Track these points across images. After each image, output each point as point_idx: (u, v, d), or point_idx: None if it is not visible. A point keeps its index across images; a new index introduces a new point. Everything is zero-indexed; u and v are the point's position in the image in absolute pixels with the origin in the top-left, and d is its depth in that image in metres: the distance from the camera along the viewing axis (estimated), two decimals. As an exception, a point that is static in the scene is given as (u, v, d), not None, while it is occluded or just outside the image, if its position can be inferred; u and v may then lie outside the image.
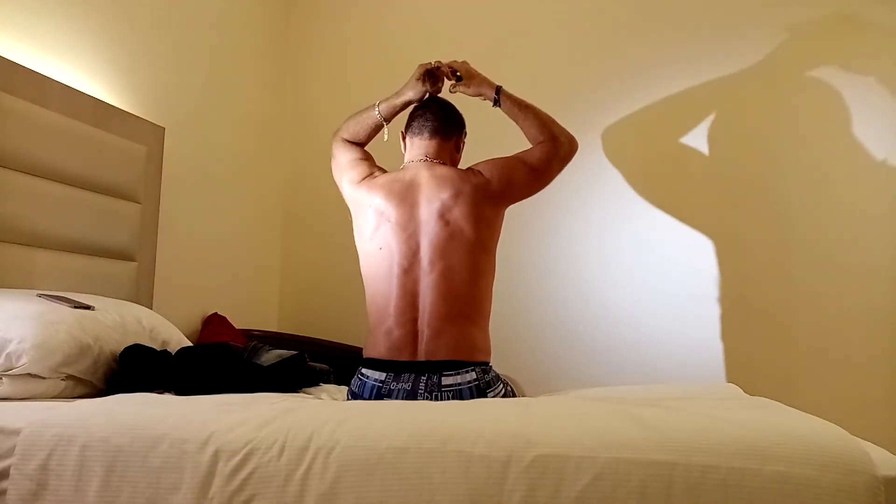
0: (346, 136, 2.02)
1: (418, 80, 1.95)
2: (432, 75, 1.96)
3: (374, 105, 1.98)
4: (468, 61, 2.00)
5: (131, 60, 2.48)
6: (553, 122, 1.95)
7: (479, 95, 1.97)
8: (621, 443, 1.11)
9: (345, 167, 1.97)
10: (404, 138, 1.98)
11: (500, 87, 1.95)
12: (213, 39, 2.94)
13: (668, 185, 2.90)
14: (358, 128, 2.00)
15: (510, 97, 1.95)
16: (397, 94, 1.98)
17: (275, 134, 3.39)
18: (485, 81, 1.96)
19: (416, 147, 1.92)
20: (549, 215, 2.99)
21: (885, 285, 2.65)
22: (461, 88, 1.96)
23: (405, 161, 1.94)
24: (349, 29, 3.37)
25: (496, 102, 1.94)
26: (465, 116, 2.01)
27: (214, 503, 1.16)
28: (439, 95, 2.00)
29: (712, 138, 2.86)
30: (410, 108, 2.00)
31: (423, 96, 1.97)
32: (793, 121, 2.79)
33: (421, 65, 1.96)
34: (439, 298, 1.74)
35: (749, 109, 2.83)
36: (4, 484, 1.25)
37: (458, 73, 1.96)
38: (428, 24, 3.24)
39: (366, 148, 2.03)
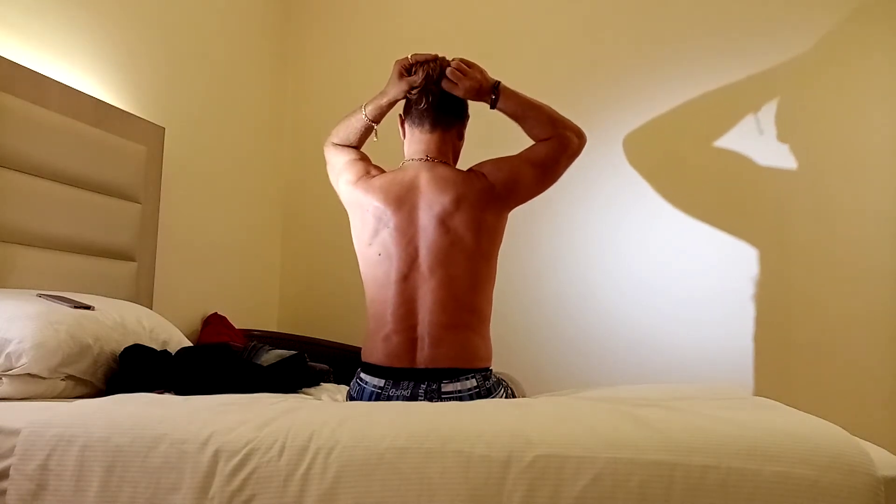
0: (336, 140, 1.95)
1: (398, 78, 1.81)
2: (422, 75, 1.80)
3: (361, 108, 1.88)
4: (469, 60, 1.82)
5: (131, 60, 2.48)
6: (559, 116, 1.80)
7: (473, 99, 1.81)
8: (621, 443, 1.10)
9: (340, 169, 1.90)
10: (403, 123, 1.89)
11: (500, 83, 1.76)
12: (213, 40, 2.94)
13: (669, 186, 2.90)
14: (348, 132, 1.92)
15: (512, 97, 1.78)
16: (381, 93, 1.85)
17: (275, 134, 3.39)
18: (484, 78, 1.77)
19: (417, 141, 1.82)
20: (550, 215, 2.99)
21: (885, 285, 2.65)
22: (447, 86, 1.78)
23: (405, 155, 1.86)
24: (349, 29, 3.37)
25: (494, 104, 1.78)
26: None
27: (214, 503, 1.16)
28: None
29: (712, 139, 2.86)
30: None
31: (406, 93, 1.82)
32: (792, 121, 2.79)
33: (398, 61, 1.82)
34: (439, 307, 1.69)
35: (748, 110, 2.83)
36: (4, 484, 1.25)
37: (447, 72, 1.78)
38: (428, 23, 3.24)
39: (361, 150, 1.95)
